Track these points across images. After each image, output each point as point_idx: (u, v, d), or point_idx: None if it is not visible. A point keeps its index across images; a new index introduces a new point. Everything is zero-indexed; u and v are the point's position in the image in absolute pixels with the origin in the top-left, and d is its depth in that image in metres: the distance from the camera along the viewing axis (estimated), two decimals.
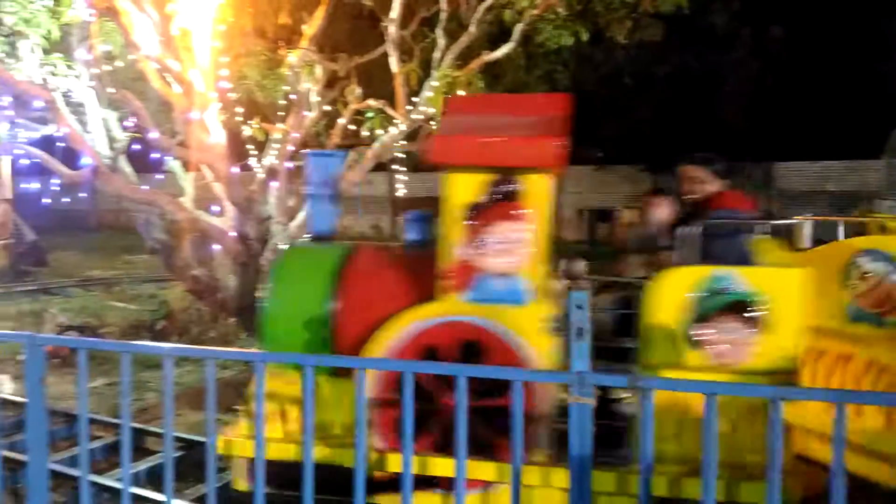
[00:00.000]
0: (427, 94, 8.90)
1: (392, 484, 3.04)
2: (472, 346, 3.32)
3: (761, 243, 3.56)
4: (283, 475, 3.06)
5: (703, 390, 2.23)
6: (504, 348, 3.25)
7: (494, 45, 9.40)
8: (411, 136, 10.05)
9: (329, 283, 3.70)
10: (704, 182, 4.09)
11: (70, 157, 9.56)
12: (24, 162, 10.30)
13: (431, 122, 9.12)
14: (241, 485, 3.72)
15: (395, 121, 9.20)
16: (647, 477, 2.31)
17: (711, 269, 3.12)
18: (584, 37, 8.94)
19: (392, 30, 8.87)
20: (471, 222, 3.39)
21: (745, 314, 2.99)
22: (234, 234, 9.17)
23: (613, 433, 3.15)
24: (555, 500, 3.12)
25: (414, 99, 9.25)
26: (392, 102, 9.08)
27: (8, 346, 7.29)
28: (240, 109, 9.45)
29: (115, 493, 4.54)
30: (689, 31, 18.26)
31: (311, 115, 9.20)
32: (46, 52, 9.20)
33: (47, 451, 3.03)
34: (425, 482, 3.19)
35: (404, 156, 11.41)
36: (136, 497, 4.23)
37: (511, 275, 3.36)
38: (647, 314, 3.17)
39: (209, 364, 2.68)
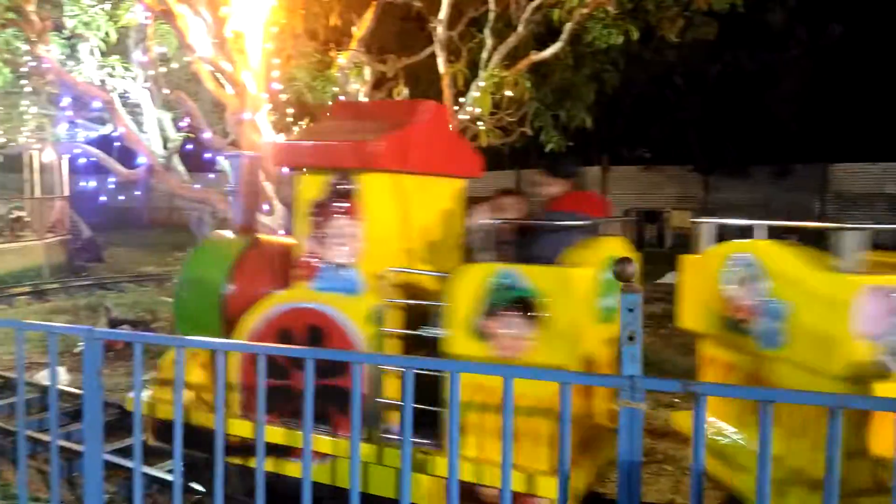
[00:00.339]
0: (474, 94, 8.87)
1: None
2: (317, 330, 3.64)
3: (595, 243, 3.69)
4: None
5: (758, 397, 2.16)
6: (340, 333, 3.57)
7: (542, 45, 9.31)
8: None
9: (225, 271, 4.11)
10: (545, 185, 4.40)
11: (125, 156, 9.83)
12: (82, 161, 10.62)
13: (479, 123, 9.09)
14: (150, 440, 4.15)
15: None
16: (698, 482, 2.26)
17: (499, 266, 3.24)
18: (635, 36, 8.78)
19: (440, 30, 8.87)
20: (314, 218, 3.74)
21: (526, 310, 3.07)
22: (283, 232, 9.29)
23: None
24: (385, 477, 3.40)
25: (461, 99, 9.24)
26: (439, 103, 9.08)
27: (64, 340, 7.52)
28: (290, 110, 9.57)
29: (165, 484, 4.65)
30: (742, 30, 17.84)
31: None
32: (104, 54, 9.49)
33: (103, 442, 3.11)
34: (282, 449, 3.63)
35: None
36: (188, 489, 4.33)
37: (347, 266, 3.69)
38: (447, 306, 3.33)
39: (260, 359, 2.73)
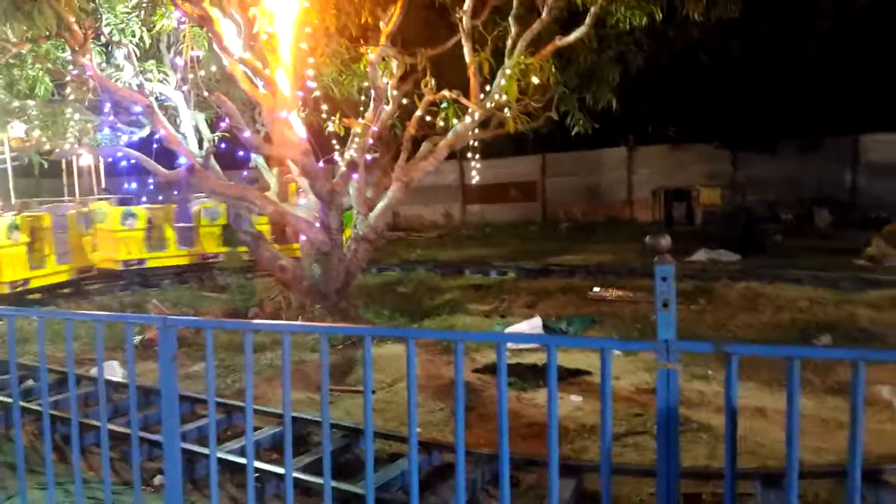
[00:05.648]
0: (500, 82, 9.03)
1: None
2: None
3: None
4: None
5: (784, 354, 2.34)
6: None
7: (566, 30, 9.43)
8: (484, 124, 10.21)
9: None
10: None
11: (163, 158, 10.14)
12: (122, 164, 10.95)
13: (505, 110, 9.25)
14: None
15: (468, 110, 9.38)
16: (732, 443, 2.44)
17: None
18: (659, 16, 8.85)
19: (465, 20, 9.03)
20: None
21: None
22: (318, 224, 9.57)
23: None
24: None
25: (487, 88, 9.40)
26: (465, 92, 9.26)
27: (117, 335, 7.87)
28: (324, 107, 9.81)
29: (235, 467, 4.92)
30: (767, 3, 17.64)
31: (387, 109, 9.48)
32: (139, 59, 9.79)
33: (179, 424, 3.36)
34: None
35: (475, 144, 11.60)
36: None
37: None
38: None
39: (323, 339, 2.96)
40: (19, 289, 12.59)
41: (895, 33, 19.43)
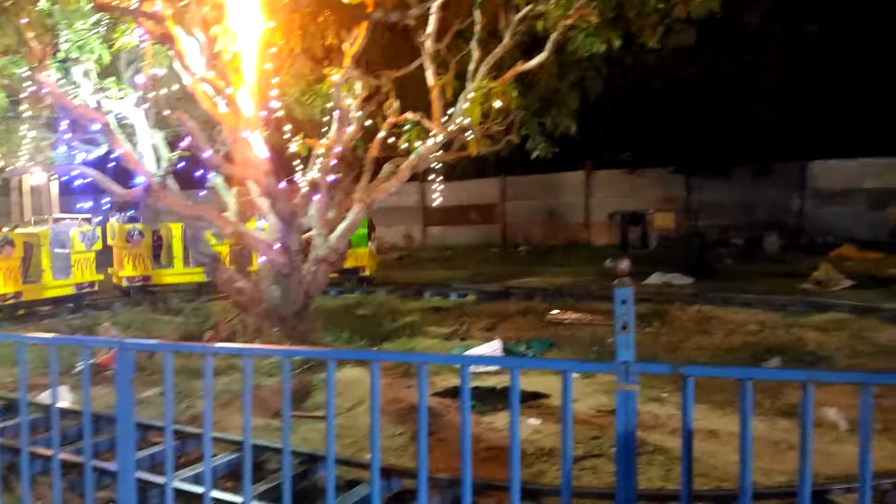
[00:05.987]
0: (463, 105, 9.14)
1: None
2: None
3: None
4: None
5: (738, 375, 2.41)
6: None
7: (527, 55, 9.62)
8: (446, 146, 10.32)
9: None
10: None
11: (119, 176, 9.96)
12: (78, 182, 10.72)
13: (467, 133, 9.36)
14: None
15: (431, 132, 9.46)
16: (688, 462, 2.50)
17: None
18: (616, 43, 9.09)
19: (428, 44, 9.14)
20: None
21: None
22: (279, 245, 9.49)
23: None
24: None
25: (450, 111, 9.50)
26: (428, 115, 9.34)
27: (64, 359, 7.64)
28: (288, 127, 9.79)
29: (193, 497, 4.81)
30: (720, 32, 18.24)
31: (350, 130, 9.51)
32: (98, 76, 9.64)
33: (135, 450, 3.30)
34: None
35: (437, 166, 11.70)
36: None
37: None
38: None
39: (285, 362, 2.94)
40: (10, 301, 12.99)
41: (841, 62, 20.29)
